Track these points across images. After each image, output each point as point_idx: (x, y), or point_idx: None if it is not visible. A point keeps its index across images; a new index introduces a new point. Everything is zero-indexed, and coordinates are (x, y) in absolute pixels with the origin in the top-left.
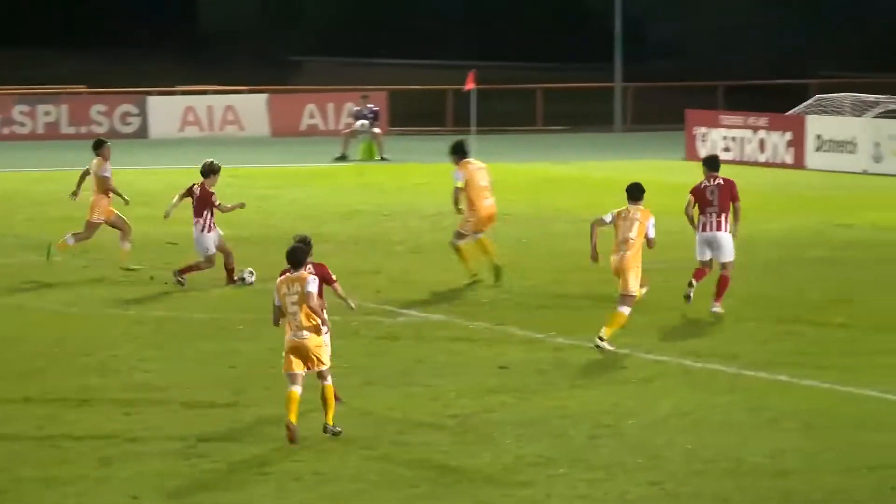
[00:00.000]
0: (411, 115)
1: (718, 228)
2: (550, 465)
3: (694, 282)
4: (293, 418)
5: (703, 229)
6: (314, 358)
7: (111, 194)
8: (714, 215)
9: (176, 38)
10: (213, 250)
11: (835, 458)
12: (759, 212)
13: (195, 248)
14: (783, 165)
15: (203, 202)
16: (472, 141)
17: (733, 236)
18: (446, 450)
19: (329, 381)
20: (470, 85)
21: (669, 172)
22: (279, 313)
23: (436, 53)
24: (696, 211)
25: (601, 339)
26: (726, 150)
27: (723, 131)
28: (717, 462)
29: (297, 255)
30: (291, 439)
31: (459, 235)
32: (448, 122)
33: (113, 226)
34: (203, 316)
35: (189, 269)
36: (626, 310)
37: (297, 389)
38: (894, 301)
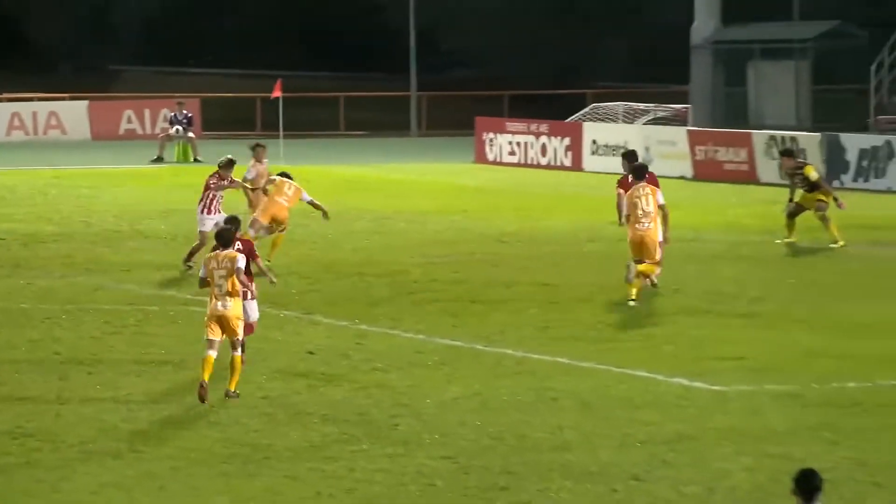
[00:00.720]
0: (223, 121)
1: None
2: (354, 441)
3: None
4: (206, 378)
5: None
6: (231, 328)
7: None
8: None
9: (2, 49)
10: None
11: (610, 433)
12: (542, 210)
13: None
14: (562, 168)
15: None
16: (280, 145)
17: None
18: (258, 429)
19: (239, 353)
20: (277, 93)
21: (460, 175)
22: (204, 283)
23: (247, 64)
24: (625, 203)
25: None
26: (511, 153)
27: (508, 137)
28: (504, 438)
29: (225, 235)
30: (202, 397)
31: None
32: (257, 126)
33: None
34: (28, 306)
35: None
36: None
37: (212, 354)
38: (662, 289)
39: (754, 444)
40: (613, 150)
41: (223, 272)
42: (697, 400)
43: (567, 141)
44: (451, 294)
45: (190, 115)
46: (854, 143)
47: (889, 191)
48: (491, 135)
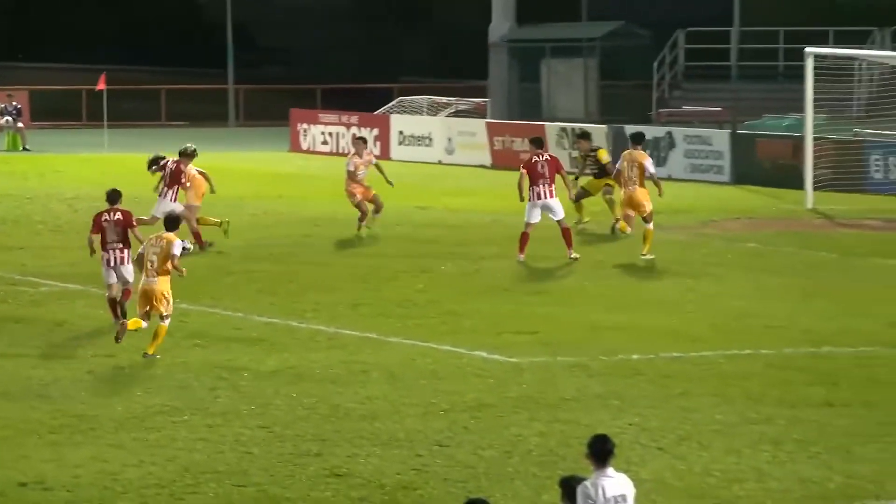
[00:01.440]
0: (51, 112)
1: (550, 196)
2: (175, 413)
3: (523, 250)
4: (130, 326)
5: (539, 197)
6: (156, 301)
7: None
8: (545, 185)
9: None
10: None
11: (415, 402)
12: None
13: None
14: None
15: (175, 178)
16: (105, 135)
17: (573, 199)
18: (84, 401)
19: (165, 323)
20: (101, 85)
21: (276, 163)
22: (140, 259)
23: (74, 58)
24: (526, 182)
25: (644, 254)
26: (324, 143)
27: (321, 127)
28: (317, 408)
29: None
30: (118, 335)
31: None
32: (83, 117)
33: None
34: None
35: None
36: (651, 226)
37: (142, 320)
38: (464, 270)
39: (547, 411)
40: (419, 140)
41: (157, 250)
42: (496, 371)
43: (376, 131)
44: (267, 274)
45: (19, 106)
46: None
47: (670, 178)
48: (305, 125)
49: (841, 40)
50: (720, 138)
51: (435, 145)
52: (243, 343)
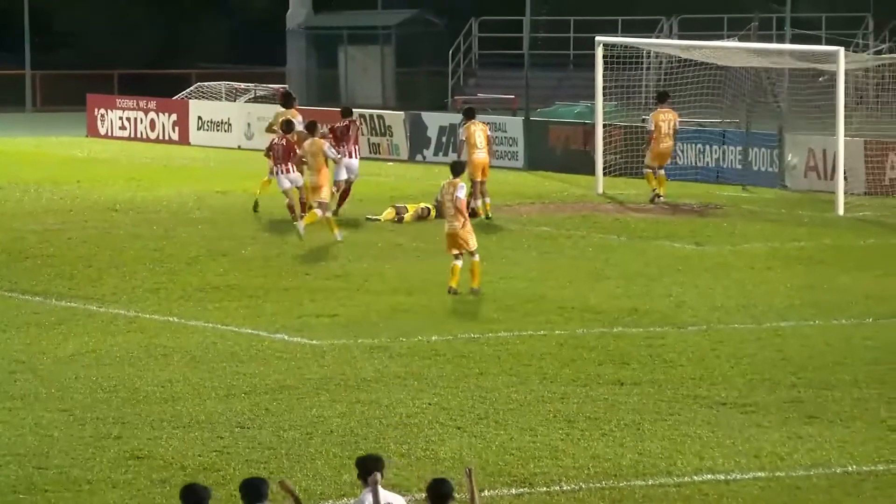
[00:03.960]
0: None
1: (351, 156)
2: None
3: (338, 205)
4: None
5: (346, 156)
6: (461, 242)
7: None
8: (345, 146)
9: None
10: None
11: (216, 385)
12: (151, 180)
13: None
14: (170, 142)
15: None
16: None
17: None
18: None
19: (476, 258)
20: None
21: (73, 147)
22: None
23: None
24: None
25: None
26: (122, 128)
27: (119, 112)
28: (117, 391)
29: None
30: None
31: None
32: None
33: None
34: None
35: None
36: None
37: (458, 263)
38: (265, 253)
39: (347, 392)
40: (217, 125)
41: (449, 197)
42: (297, 354)
43: (174, 117)
44: (65, 259)
45: None
46: (434, 120)
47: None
48: (102, 110)
49: (630, 29)
50: (514, 125)
51: (234, 131)
52: (41, 327)
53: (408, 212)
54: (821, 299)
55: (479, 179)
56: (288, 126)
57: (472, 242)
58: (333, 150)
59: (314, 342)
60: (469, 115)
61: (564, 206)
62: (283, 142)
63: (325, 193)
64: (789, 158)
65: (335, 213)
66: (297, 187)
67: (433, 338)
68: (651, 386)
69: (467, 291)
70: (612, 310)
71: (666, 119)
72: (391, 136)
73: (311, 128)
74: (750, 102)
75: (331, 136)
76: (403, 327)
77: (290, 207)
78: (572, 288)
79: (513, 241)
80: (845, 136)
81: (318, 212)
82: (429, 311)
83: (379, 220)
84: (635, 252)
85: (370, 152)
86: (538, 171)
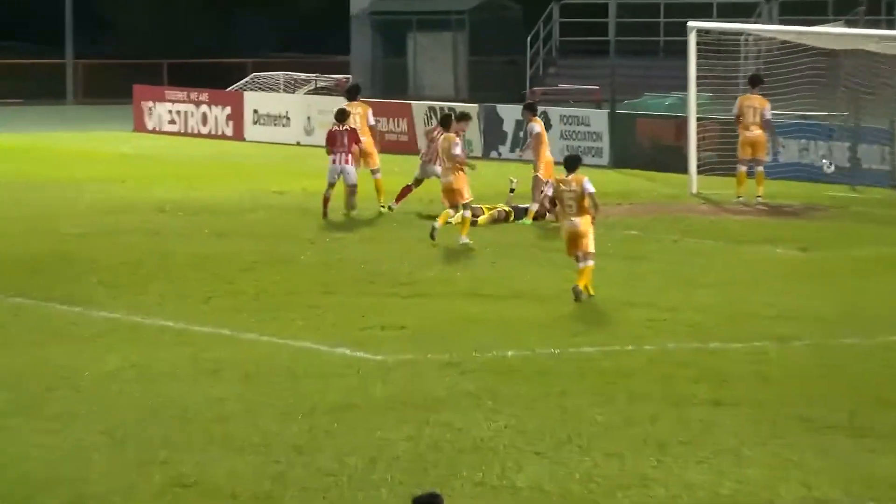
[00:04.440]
0: None
1: (346, 162)
2: (7, 415)
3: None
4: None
5: (334, 162)
6: (582, 244)
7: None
8: (342, 154)
9: None
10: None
11: (272, 404)
12: (203, 179)
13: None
14: (224, 137)
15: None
16: None
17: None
18: None
19: (591, 263)
20: None
21: (119, 143)
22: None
23: None
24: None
25: (759, 196)
26: (172, 122)
27: (168, 105)
28: (165, 409)
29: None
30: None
31: None
32: None
33: None
34: None
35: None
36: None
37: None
38: (325, 259)
39: (415, 412)
40: (275, 119)
41: (572, 195)
42: (360, 369)
43: (228, 110)
44: (107, 265)
45: None
46: (511, 113)
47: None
48: (150, 103)
49: (725, 14)
50: (598, 118)
51: (293, 125)
52: (81, 340)
53: (484, 213)
54: None
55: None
56: (341, 115)
57: (467, 193)
58: (461, 150)
59: (378, 357)
60: (534, 109)
61: (654, 206)
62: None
63: (467, 193)
64: None
65: (351, 207)
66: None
67: (509, 353)
68: (751, 407)
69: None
70: (707, 322)
71: (751, 105)
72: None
73: (445, 122)
74: (860, 92)
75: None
76: (476, 340)
77: (326, 201)
78: (663, 297)
79: (597, 245)
80: None
81: (466, 213)
82: (505, 323)
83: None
84: (733, 258)
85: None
86: (624, 169)
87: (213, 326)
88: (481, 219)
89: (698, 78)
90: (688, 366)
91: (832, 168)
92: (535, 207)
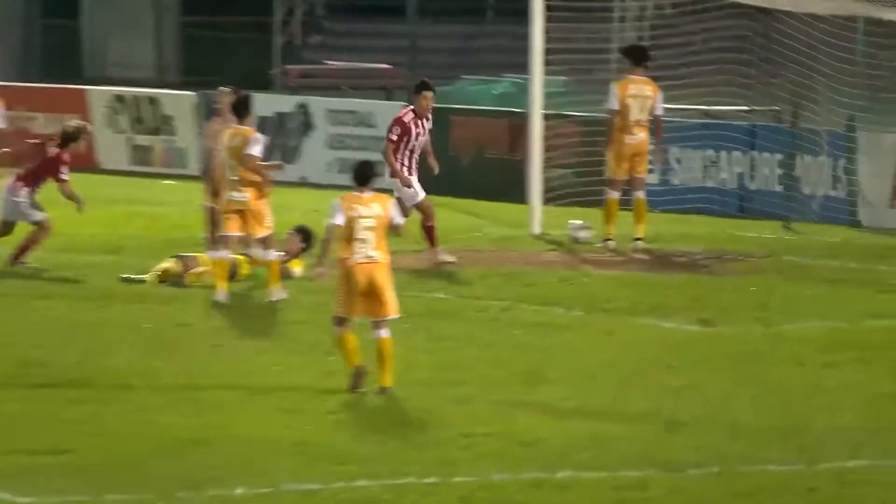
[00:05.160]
0: None
1: None
2: None
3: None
4: None
5: None
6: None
7: None
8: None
9: None
10: None
11: None
12: None
13: None
14: None
15: None
16: None
17: None
18: None
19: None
20: None
21: None
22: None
23: None
24: None
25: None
26: None
27: None
28: None
29: None
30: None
31: None
32: None
33: None
34: None
35: None
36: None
37: None
38: None
39: None
40: None
41: (372, 222)
42: None
43: None
44: None
45: None
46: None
47: (305, 182)
48: None
49: None
50: (389, 116)
51: None
52: None
53: (198, 264)
54: None
55: None
56: None
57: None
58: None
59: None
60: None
61: (473, 254)
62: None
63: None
64: (864, 174)
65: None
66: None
67: (237, 490)
68: None
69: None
70: (553, 440)
71: (637, 94)
72: (172, 132)
73: (240, 109)
74: (802, 75)
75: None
76: (186, 474)
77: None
78: (485, 400)
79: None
80: None
81: (271, 255)
82: (235, 444)
83: (145, 280)
84: (597, 337)
85: (130, 162)
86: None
87: None
88: (196, 271)
89: (547, 52)
90: None
91: (587, 234)
92: (273, 255)
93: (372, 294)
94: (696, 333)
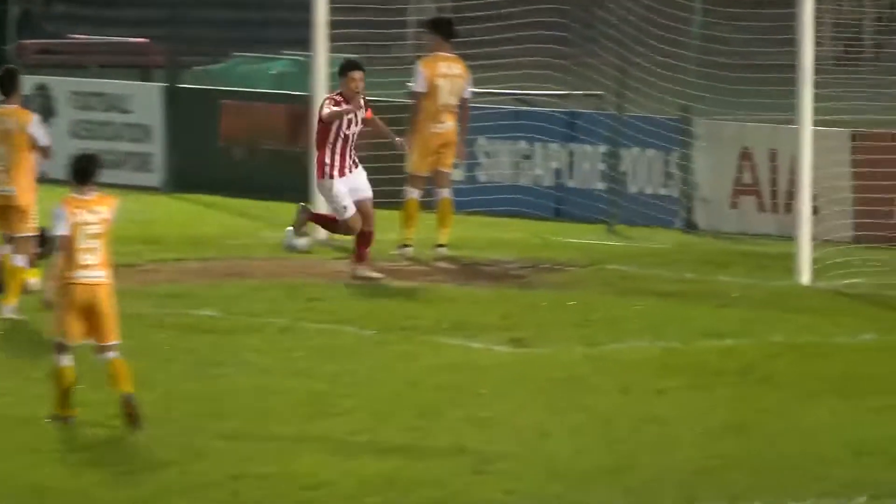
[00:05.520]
0: None
1: None
2: None
3: None
4: None
5: None
6: None
7: None
8: None
9: None
10: None
11: None
12: None
13: None
14: None
15: None
16: None
17: None
18: None
19: None
20: None
21: None
22: None
23: None
24: None
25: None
26: None
27: None
28: None
29: None
30: None
31: None
32: None
33: None
34: None
35: None
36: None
37: None
38: None
39: None
40: None
41: (97, 228)
42: None
43: None
44: None
45: None
46: None
47: (43, 178)
48: None
49: None
50: (145, 100)
51: None
52: None
53: None
54: (762, 461)
55: None
56: None
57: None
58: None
59: None
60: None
61: (237, 264)
62: None
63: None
64: (701, 169)
65: None
66: None
67: None
68: None
69: None
70: (346, 479)
71: (449, 74)
72: None
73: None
74: (630, 53)
75: None
76: None
77: None
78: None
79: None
80: (816, 123)
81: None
82: None
83: None
84: (394, 359)
85: None
86: (193, 194)
87: None
88: None
89: (333, 25)
90: None
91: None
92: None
93: (91, 319)
94: (507, 356)
